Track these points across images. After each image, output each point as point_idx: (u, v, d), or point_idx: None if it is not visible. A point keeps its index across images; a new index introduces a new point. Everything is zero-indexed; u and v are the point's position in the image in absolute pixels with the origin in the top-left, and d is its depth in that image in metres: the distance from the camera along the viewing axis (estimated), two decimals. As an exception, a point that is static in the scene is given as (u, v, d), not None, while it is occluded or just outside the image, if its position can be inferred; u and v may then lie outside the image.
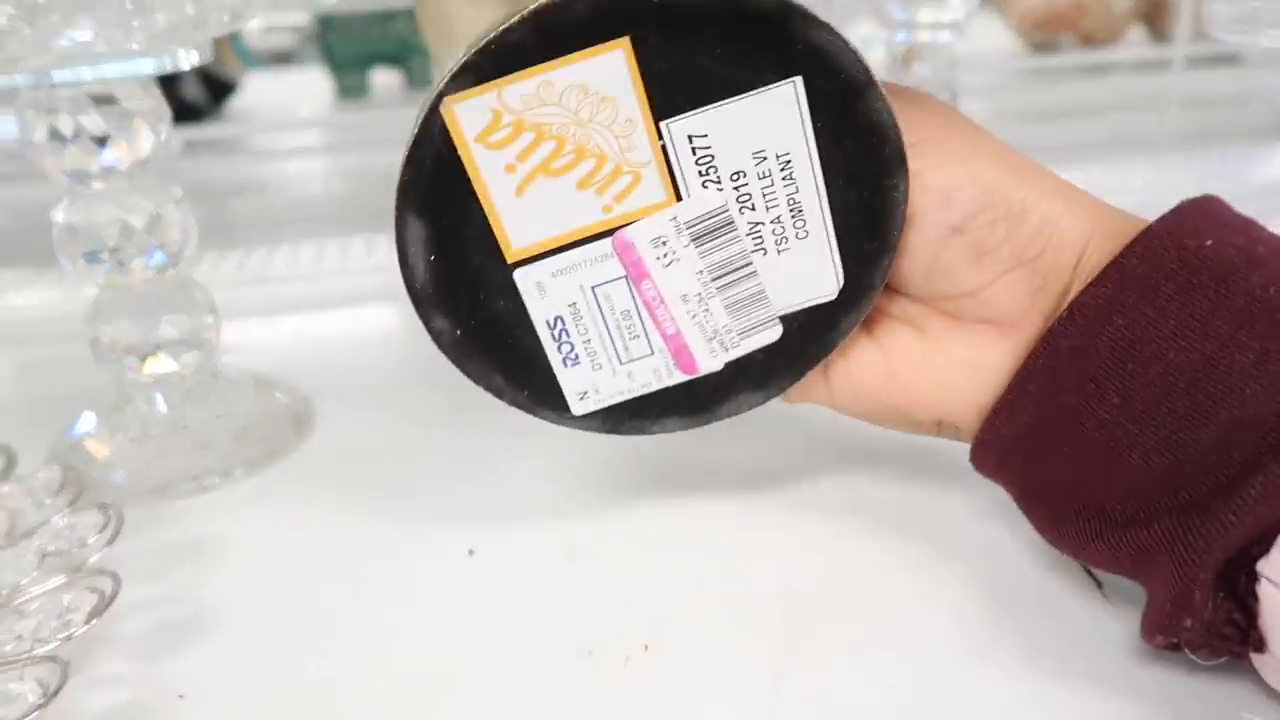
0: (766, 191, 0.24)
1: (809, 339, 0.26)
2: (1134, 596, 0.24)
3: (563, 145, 0.23)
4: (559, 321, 0.25)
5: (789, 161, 0.23)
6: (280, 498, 0.33)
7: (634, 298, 0.25)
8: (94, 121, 0.31)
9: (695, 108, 0.23)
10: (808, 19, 0.22)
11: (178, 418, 0.35)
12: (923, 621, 0.25)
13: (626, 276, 0.24)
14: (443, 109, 0.22)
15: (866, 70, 0.23)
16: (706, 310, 0.25)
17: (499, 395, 0.26)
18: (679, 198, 0.23)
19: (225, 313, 0.45)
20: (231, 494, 0.33)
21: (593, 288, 0.24)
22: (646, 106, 0.22)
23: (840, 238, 0.24)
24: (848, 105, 0.23)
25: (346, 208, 0.64)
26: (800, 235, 0.24)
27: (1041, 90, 0.73)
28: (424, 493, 0.32)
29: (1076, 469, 0.23)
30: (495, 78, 0.22)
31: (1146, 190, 0.57)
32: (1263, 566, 0.21)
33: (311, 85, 0.83)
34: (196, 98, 0.75)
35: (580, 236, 0.24)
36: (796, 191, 0.24)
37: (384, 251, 0.53)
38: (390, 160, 0.24)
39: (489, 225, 0.23)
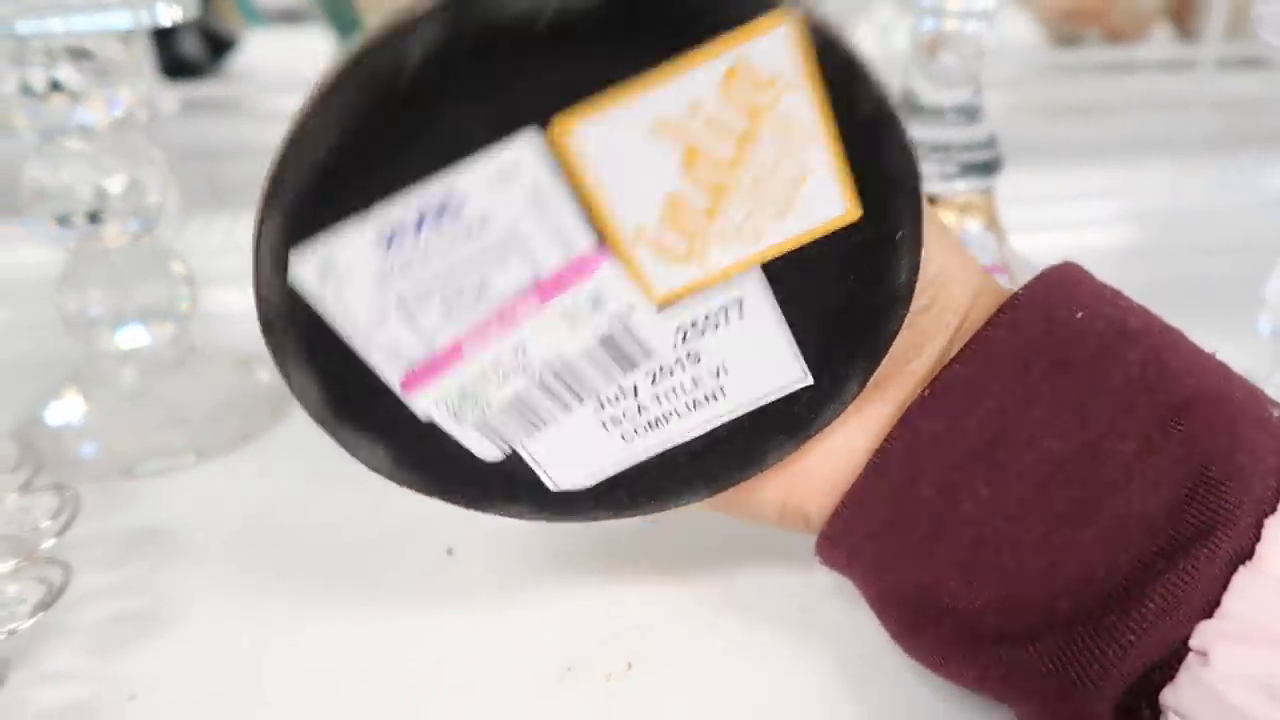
0: (670, 392, 0.20)
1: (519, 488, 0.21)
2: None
3: (734, 165, 0.17)
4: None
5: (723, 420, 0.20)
6: (252, 482, 0.31)
7: (508, 289, 0.17)
8: (68, 76, 0.29)
9: (807, 314, 0.19)
10: None
11: (150, 392, 0.33)
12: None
13: (539, 279, 0.17)
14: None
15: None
16: (505, 373, 0.18)
17: None
18: (657, 307, 0.18)
19: (212, 281, 0.43)
20: (201, 475, 0.31)
21: (516, 215, 0.16)
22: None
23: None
24: None
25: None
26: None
27: (1064, 85, 0.70)
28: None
29: (937, 571, 0.20)
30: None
31: (1170, 195, 0.55)
32: (1169, 697, 0.17)
33: (314, 46, 0.80)
34: (194, 54, 0.73)
35: (600, 204, 0.16)
36: (675, 414, 0.20)
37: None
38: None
39: None
